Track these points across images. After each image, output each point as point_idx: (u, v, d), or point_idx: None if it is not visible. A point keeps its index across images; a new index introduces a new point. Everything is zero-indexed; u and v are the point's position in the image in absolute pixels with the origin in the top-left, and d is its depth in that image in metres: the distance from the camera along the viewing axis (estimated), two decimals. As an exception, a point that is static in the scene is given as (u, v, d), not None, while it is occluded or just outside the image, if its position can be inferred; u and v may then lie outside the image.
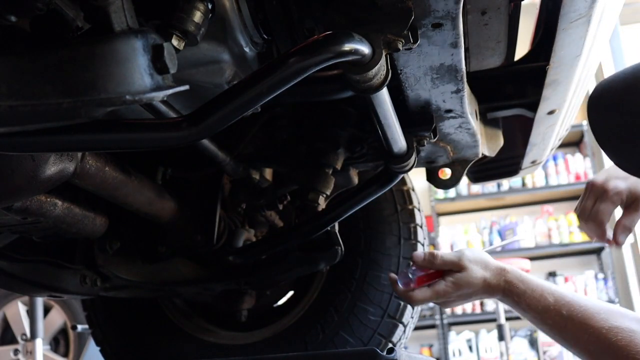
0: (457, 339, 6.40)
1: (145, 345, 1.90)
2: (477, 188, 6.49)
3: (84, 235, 1.38)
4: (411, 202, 1.84)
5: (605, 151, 0.93)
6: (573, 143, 6.66)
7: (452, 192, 6.49)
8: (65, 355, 4.01)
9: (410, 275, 1.36)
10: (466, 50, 1.23)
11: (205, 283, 1.65)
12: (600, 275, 6.55)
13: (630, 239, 1.37)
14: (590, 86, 1.45)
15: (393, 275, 1.41)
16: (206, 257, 1.62)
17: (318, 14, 1.01)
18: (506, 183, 6.43)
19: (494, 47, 1.25)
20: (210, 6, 0.85)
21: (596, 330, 1.14)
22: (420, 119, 1.30)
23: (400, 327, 1.78)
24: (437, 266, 1.33)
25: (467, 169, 1.59)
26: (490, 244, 6.83)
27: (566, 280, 6.62)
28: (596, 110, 0.95)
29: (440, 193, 6.49)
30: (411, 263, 1.40)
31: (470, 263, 1.30)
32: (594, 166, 6.37)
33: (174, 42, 0.80)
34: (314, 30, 1.05)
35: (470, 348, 6.35)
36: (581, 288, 6.56)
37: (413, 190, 1.88)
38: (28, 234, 1.29)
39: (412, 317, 1.83)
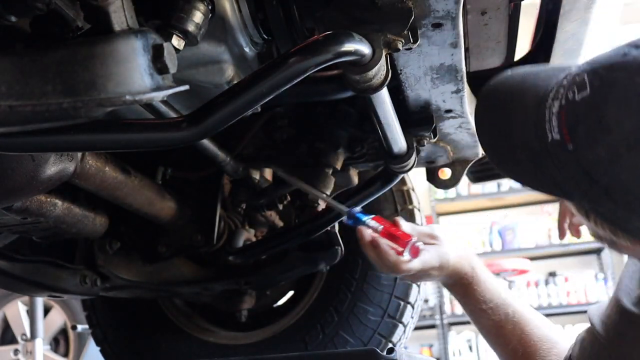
0: (457, 339, 6.41)
1: (145, 345, 1.90)
2: (477, 188, 6.49)
3: (84, 235, 1.39)
4: (411, 202, 1.84)
5: (479, 140, 1.01)
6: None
7: (452, 192, 6.49)
8: (65, 355, 4.01)
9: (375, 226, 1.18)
10: (466, 50, 1.23)
11: (205, 283, 1.64)
12: (600, 275, 6.55)
13: None
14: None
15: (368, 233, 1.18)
16: (206, 257, 1.62)
17: (318, 14, 1.01)
18: (506, 183, 6.42)
19: (494, 47, 1.25)
20: (210, 6, 0.85)
21: (528, 335, 1.19)
22: (420, 119, 1.30)
23: (400, 327, 1.78)
24: (420, 245, 1.21)
25: (467, 169, 1.59)
26: (490, 244, 6.83)
27: (566, 280, 6.61)
28: (480, 107, 1.00)
29: (440, 193, 6.48)
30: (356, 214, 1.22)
31: (443, 236, 1.23)
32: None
33: (174, 42, 0.80)
34: (314, 30, 1.05)
35: (470, 348, 6.35)
36: (581, 288, 6.56)
37: (413, 190, 1.88)
38: (28, 234, 1.29)
39: (412, 317, 1.83)
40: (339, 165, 1.44)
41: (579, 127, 0.79)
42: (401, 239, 1.15)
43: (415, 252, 1.15)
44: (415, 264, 1.17)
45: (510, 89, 0.96)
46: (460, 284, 1.23)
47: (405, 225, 1.20)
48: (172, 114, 1.03)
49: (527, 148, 0.88)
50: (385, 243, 1.17)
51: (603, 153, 0.77)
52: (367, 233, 1.18)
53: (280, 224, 1.84)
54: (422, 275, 1.20)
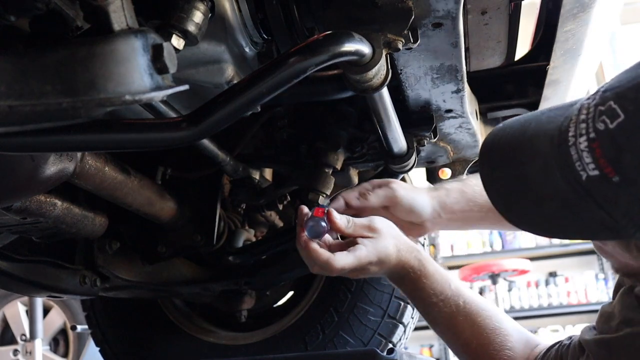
0: (457, 339, 6.40)
1: (145, 345, 1.89)
2: (477, 188, 6.48)
3: (83, 236, 1.38)
4: (411, 202, 1.83)
5: (494, 206, 0.92)
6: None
7: (452, 192, 6.48)
8: (65, 355, 4.01)
9: (322, 225, 1.13)
10: (466, 50, 1.23)
11: (205, 283, 1.64)
12: (601, 276, 6.55)
13: None
14: (591, 86, 1.45)
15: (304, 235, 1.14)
16: (206, 257, 1.62)
17: (318, 13, 1.01)
18: (506, 183, 6.42)
19: (494, 46, 1.25)
20: (210, 6, 0.85)
21: (481, 327, 1.14)
22: (420, 119, 1.30)
23: (401, 328, 1.78)
24: (349, 229, 1.16)
25: (467, 169, 1.59)
26: (491, 244, 6.83)
27: (566, 280, 6.62)
28: (485, 167, 0.94)
29: (440, 193, 6.48)
30: (309, 214, 1.16)
31: (383, 229, 1.15)
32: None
33: (174, 42, 0.80)
34: (314, 30, 1.05)
35: (470, 348, 6.35)
36: (581, 288, 6.56)
37: (413, 190, 1.87)
38: (28, 234, 1.29)
39: (412, 317, 1.83)
40: (339, 165, 1.44)
41: (624, 155, 0.75)
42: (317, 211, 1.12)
43: (319, 214, 1.11)
44: (349, 261, 1.10)
45: (512, 140, 0.90)
46: (408, 279, 1.17)
47: (339, 217, 1.14)
48: (172, 114, 1.03)
49: (557, 196, 0.82)
50: (316, 243, 1.12)
51: None
52: (302, 234, 1.14)
53: (280, 224, 1.84)
54: (359, 271, 1.13)
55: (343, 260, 1.11)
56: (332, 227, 1.14)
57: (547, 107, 0.93)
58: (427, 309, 1.19)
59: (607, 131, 0.76)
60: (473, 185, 1.31)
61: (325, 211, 1.16)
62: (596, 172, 0.77)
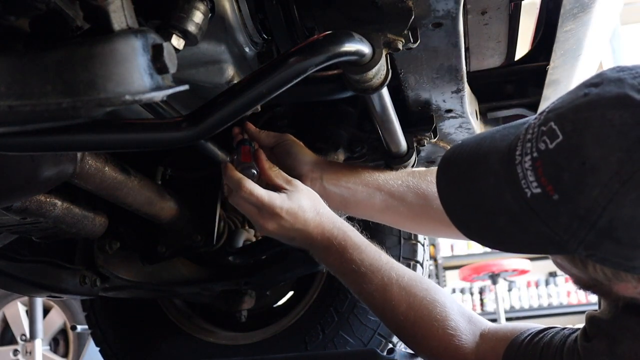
0: (457, 339, 6.40)
1: (145, 345, 1.89)
2: (477, 188, 6.47)
3: (83, 236, 1.38)
4: (411, 202, 1.83)
5: (450, 218, 0.95)
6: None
7: (452, 192, 6.48)
8: (65, 355, 4.01)
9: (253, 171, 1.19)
10: (466, 50, 1.23)
11: (205, 283, 1.64)
12: (600, 275, 6.55)
13: None
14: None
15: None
16: (206, 257, 1.62)
17: (318, 13, 1.01)
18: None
19: (494, 46, 1.25)
20: (210, 6, 0.85)
21: (418, 299, 1.14)
22: (420, 119, 1.30)
23: (401, 327, 1.78)
24: (272, 172, 1.19)
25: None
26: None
27: (566, 280, 6.62)
28: (442, 182, 0.97)
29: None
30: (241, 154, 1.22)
31: (303, 188, 1.18)
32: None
33: (174, 42, 0.80)
34: (314, 30, 1.05)
35: (470, 348, 6.34)
36: (581, 288, 6.56)
37: (413, 190, 1.87)
38: (28, 234, 1.29)
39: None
40: (339, 165, 1.44)
41: (562, 174, 0.78)
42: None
43: (246, 156, 1.18)
44: (260, 191, 1.13)
45: (468, 157, 0.94)
46: (333, 251, 1.16)
47: (265, 158, 1.20)
48: (172, 114, 1.03)
49: (506, 212, 0.85)
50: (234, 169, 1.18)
51: (596, 193, 0.76)
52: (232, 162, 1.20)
53: (280, 224, 1.83)
54: (269, 214, 1.13)
55: (254, 186, 1.14)
56: (257, 164, 1.19)
57: (503, 125, 0.96)
58: (359, 282, 1.17)
59: (547, 151, 0.80)
60: (379, 172, 1.32)
61: (253, 151, 1.21)
62: (539, 190, 0.81)
